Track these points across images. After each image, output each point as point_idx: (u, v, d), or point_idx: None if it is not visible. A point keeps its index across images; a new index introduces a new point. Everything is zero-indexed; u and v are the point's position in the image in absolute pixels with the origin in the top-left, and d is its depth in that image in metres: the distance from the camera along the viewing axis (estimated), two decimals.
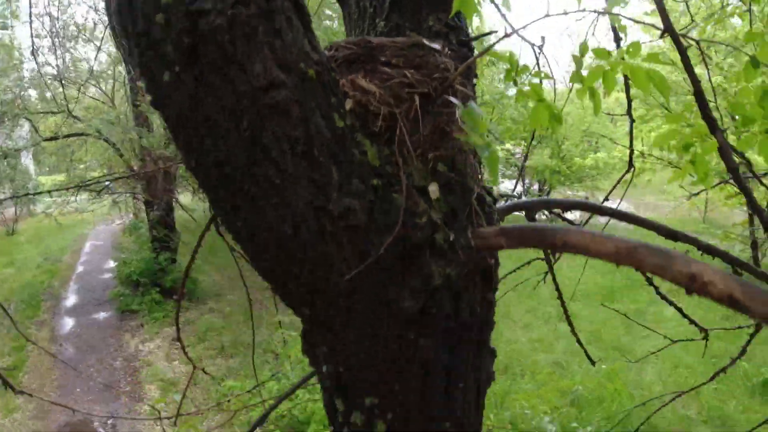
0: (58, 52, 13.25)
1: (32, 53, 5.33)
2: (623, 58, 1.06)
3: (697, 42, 1.23)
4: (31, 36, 4.25)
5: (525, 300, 12.35)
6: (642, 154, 8.31)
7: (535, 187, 16.39)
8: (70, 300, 13.54)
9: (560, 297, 2.43)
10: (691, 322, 2.65)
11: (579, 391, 5.97)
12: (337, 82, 0.86)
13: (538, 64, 1.50)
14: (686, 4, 2.90)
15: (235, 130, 0.73)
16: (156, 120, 11.73)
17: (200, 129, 0.75)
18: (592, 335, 10.18)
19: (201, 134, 0.76)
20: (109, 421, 8.93)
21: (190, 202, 15.14)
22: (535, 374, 7.97)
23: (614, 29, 1.30)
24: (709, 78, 1.42)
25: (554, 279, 2.38)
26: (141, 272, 11.88)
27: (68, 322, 12.36)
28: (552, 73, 1.74)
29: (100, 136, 11.56)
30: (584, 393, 6.08)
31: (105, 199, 14.25)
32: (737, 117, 1.09)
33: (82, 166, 15.92)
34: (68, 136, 12.12)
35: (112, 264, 15.38)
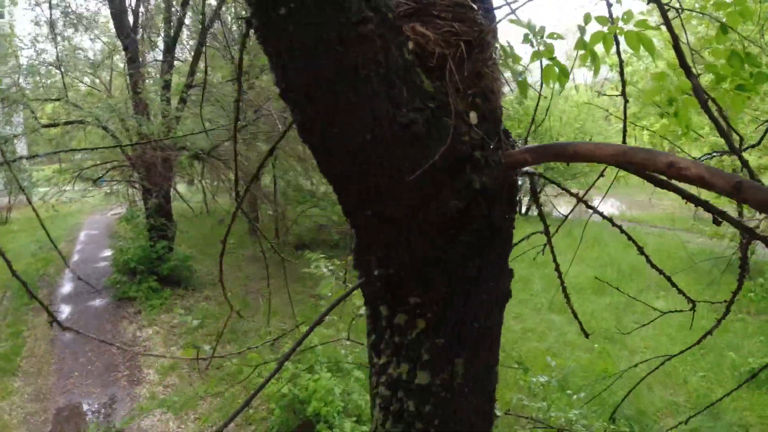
0: (58, 39, 13.31)
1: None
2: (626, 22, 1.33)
3: (678, 11, 1.48)
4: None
5: (518, 293, 12.65)
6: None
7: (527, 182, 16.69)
8: (66, 287, 13.67)
9: (557, 269, 2.67)
10: (680, 291, 2.88)
11: (572, 368, 6.25)
12: (401, 26, 1.12)
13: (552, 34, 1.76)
14: None
15: (333, 54, 0.98)
16: (154, 108, 11.89)
17: (303, 55, 1.00)
18: (585, 326, 10.51)
19: (301, 59, 1.01)
20: (101, 409, 9.07)
21: (185, 192, 15.30)
22: (527, 359, 8.26)
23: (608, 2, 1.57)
24: (688, 42, 1.67)
25: (552, 250, 2.63)
26: (138, 260, 12.04)
27: (65, 309, 12.50)
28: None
29: (99, 124, 11.68)
30: (576, 370, 6.36)
31: (102, 187, 14.40)
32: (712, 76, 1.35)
33: (78, 156, 15.92)
34: (67, 123, 12.24)
35: (107, 253, 15.53)
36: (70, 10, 13.95)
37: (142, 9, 13.12)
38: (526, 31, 1.47)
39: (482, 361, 1.48)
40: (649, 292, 11.05)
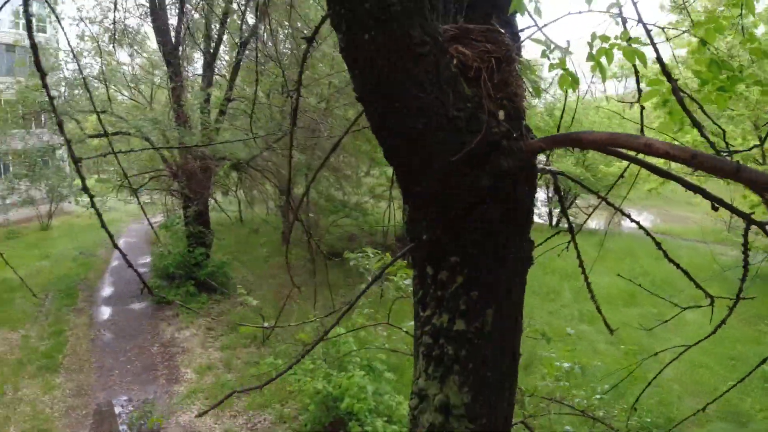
0: (103, 54, 14.16)
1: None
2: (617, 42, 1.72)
3: (662, 29, 1.85)
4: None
5: (548, 304, 12.87)
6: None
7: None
8: (106, 291, 14.46)
9: (581, 265, 2.98)
10: (697, 286, 3.15)
11: (598, 366, 6.48)
12: (447, 47, 1.54)
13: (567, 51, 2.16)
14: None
15: (401, 67, 1.41)
16: (195, 119, 12.63)
17: (380, 68, 1.42)
18: (615, 336, 10.65)
19: (378, 70, 1.43)
20: (140, 405, 9.53)
21: (221, 202, 15.99)
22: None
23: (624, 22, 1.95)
24: (674, 54, 2.02)
25: (576, 246, 2.95)
26: (177, 265, 12.70)
27: (105, 311, 13.23)
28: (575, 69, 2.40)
29: (142, 135, 12.45)
30: (601, 369, 6.58)
31: (142, 196, 15.20)
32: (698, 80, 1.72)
33: (113, 168, 16.65)
34: (114, 134, 13.05)
35: (146, 259, 16.36)
36: (113, 25, 14.88)
37: (183, 26, 13.95)
38: (544, 47, 1.88)
39: (508, 312, 1.86)
40: (681, 303, 11.10)
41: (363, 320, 5.09)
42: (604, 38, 1.74)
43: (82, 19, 14.40)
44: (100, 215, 3.18)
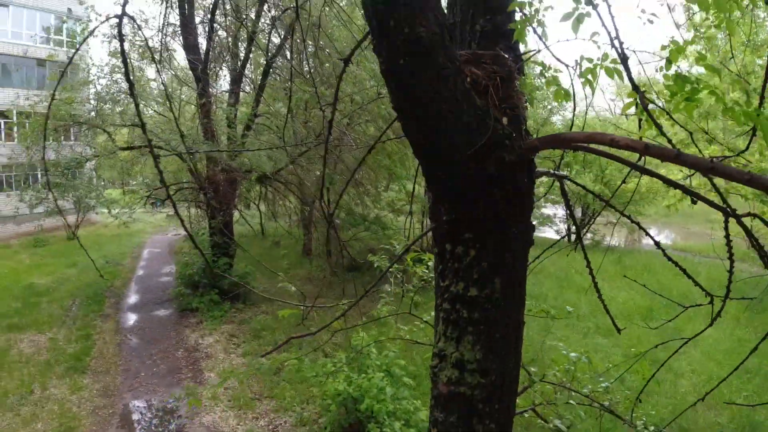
0: (134, 70, 14.99)
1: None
2: (603, 62, 2.21)
3: (635, 52, 2.31)
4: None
5: (565, 318, 13.12)
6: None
7: (578, 211, 17.30)
8: (132, 298, 15.13)
9: (589, 267, 3.39)
10: (696, 284, 3.51)
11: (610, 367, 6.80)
12: (462, 69, 2.04)
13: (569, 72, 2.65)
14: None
15: (429, 85, 1.91)
16: (222, 134, 13.34)
17: (410, 85, 1.93)
18: (631, 349, 10.87)
19: (410, 87, 1.94)
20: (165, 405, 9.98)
21: (245, 214, 16.62)
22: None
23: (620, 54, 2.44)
24: (644, 71, 2.49)
25: (583, 248, 3.37)
26: (201, 274, 13.30)
27: (131, 317, 13.86)
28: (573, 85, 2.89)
29: (171, 149, 13.15)
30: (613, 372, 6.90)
31: (167, 208, 15.95)
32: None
33: (137, 180, 17.30)
34: (142, 147, 13.82)
35: (170, 269, 17.06)
36: (142, 42, 15.76)
37: (212, 45, 14.78)
38: (541, 67, 2.37)
39: (514, 280, 2.33)
40: (698, 318, 11.32)
41: (387, 310, 5.52)
42: (589, 60, 2.22)
43: (114, 36, 15.30)
44: (182, 220, 3.71)
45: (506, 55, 2.15)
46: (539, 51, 2.28)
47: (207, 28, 13.63)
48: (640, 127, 3.57)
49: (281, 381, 10.23)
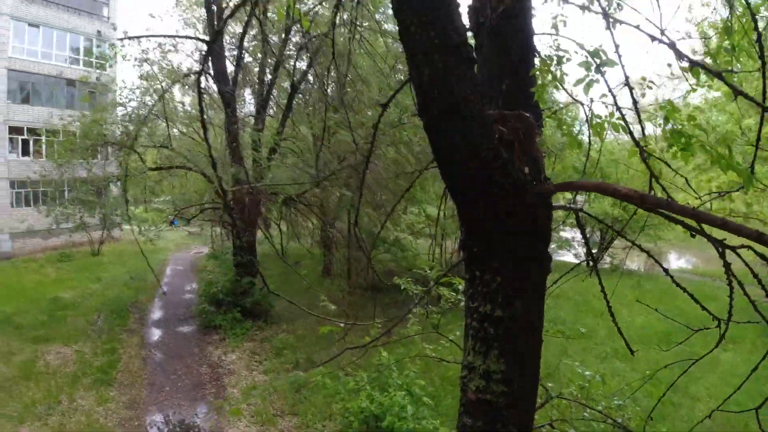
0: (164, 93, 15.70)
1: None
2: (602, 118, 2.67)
3: (637, 111, 2.79)
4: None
5: (583, 342, 13.35)
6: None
7: (596, 235, 17.60)
8: (156, 314, 15.70)
9: (603, 291, 3.75)
10: (703, 308, 3.82)
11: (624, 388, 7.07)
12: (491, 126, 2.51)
13: (587, 116, 3.11)
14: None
15: (463, 140, 2.38)
16: (248, 156, 13.97)
17: (450, 140, 2.40)
18: (647, 374, 11.08)
19: (450, 142, 2.41)
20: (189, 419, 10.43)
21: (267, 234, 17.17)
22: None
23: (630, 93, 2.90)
24: (638, 112, 2.95)
25: (598, 274, 3.73)
26: (225, 292, 13.83)
27: (155, 333, 14.40)
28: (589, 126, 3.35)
29: (199, 170, 13.82)
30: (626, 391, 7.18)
31: (192, 227, 16.58)
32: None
33: (160, 198, 17.88)
34: (172, 167, 14.53)
35: (191, 286, 17.64)
36: (170, 67, 16.53)
37: (240, 72, 15.53)
38: (557, 121, 2.84)
39: (533, 303, 2.76)
40: (714, 343, 11.49)
41: (415, 330, 5.92)
42: (597, 116, 2.68)
43: (145, 60, 16.13)
44: (233, 224, 4.21)
45: (528, 114, 2.62)
46: (560, 108, 2.74)
47: (235, 55, 14.39)
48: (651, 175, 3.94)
49: (303, 398, 10.62)
